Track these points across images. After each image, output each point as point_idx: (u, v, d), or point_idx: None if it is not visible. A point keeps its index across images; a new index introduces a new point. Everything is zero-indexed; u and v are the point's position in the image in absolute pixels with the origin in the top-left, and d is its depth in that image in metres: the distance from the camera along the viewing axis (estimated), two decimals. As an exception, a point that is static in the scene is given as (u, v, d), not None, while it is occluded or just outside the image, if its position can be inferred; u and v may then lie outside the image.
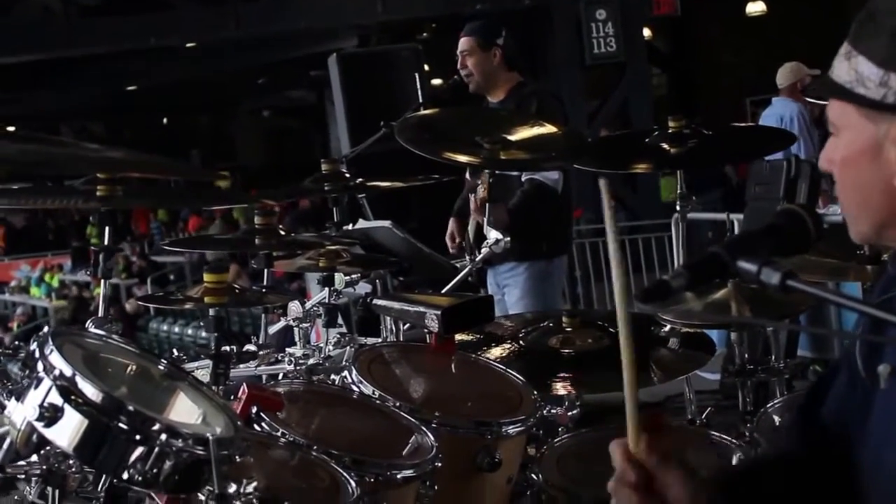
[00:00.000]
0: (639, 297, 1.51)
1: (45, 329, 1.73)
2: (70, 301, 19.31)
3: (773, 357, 2.96)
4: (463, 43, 4.32)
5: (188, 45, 15.40)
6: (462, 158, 3.25)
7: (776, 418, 2.61)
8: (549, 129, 3.25)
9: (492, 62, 4.31)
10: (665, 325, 2.92)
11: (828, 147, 1.54)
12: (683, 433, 2.77)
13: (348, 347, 2.96)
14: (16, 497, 2.05)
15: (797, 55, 7.14)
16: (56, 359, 1.66)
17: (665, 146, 3.19)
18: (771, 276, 1.40)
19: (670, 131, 3.19)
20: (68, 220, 26.77)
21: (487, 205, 3.19)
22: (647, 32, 13.27)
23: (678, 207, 3.27)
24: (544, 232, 4.24)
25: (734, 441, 2.55)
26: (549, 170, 3.95)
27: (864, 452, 1.56)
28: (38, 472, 1.89)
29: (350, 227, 3.66)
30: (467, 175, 4.51)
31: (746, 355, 2.83)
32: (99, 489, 2.07)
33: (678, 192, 3.27)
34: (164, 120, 25.73)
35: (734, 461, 2.46)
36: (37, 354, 1.68)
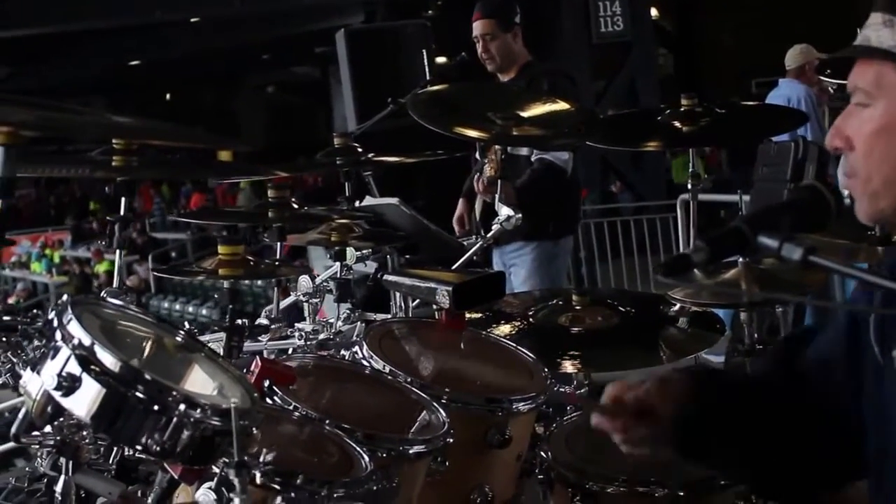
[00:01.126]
0: (659, 271, 1.53)
1: (65, 297, 1.72)
2: (72, 277, 19.33)
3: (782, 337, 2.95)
4: (484, 25, 4.26)
5: (193, 19, 15.33)
6: (473, 134, 3.24)
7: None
8: (561, 105, 3.23)
9: (512, 43, 4.28)
10: (675, 304, 2.92)
11: (849, 120, 1.52)
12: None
13: (358, 323, 2.96)
14: (28, 468, 2.06)
15: (804, 37, 7.11)
16: (75, 328, 1.65)
17: (677, 124, 3.19)
18: (792, 252, 1.40)
19: (682, 110, 3.19)
20: (70, 195, 26.77)
21: (499, 182, 3.17)
22: (653, 12, 13.22)
23: (689, 186, 3.26)
24: (552, 212, 4.23)
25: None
26: (559, 150, 3.94)
27: (878, 433, 1.57)
28: (51, 442, 1.89)
29: (357, 204, 3.65)
30: (476, 155, 4.50)
31: (755, 335, 2.83)
32: (111, 461, 2.09)
33: (690, 170, 3.26)
34: (168, 95, 25.67)
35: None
36: (55, 323, 1.68)
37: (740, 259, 2.71)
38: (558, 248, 4.36)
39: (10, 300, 18.00)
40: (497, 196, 3.18)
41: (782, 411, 1.69)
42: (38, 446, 1.90)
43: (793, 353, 1.75)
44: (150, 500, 2.03)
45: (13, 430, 1.85)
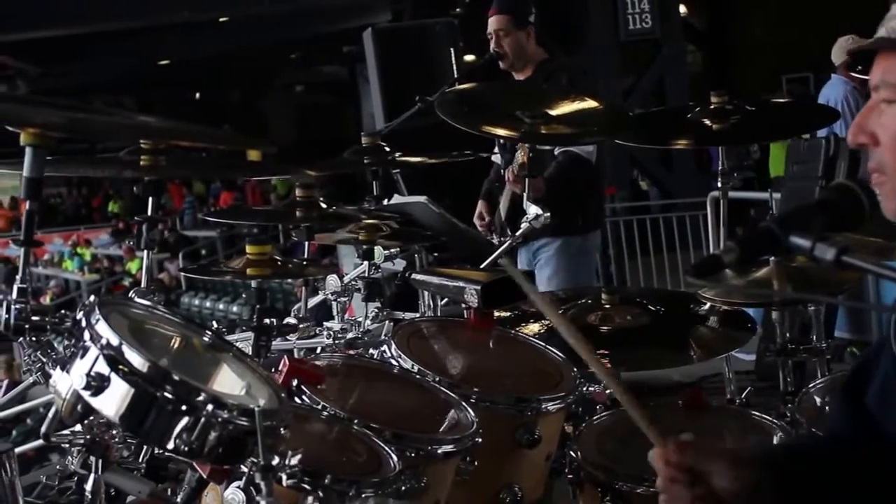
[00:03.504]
0: (690, 273, 1.51)
1: (92, 298, 1.73)
2: (102, 274, 19.51)
3: (814, 337, 2.90)
4: (497, 21, 4.25)
5: (221, 19, 15.41)
6: (502, 132, 3.22)
7: (817, 399, 2.57)
8: (590, 103, 3.21)
9: (525, 40, 4.26)
10: (705, 303, 2.89)
11: (872, 116, 1.48)
12: (723, 413, 2.75)
13: (386, 322, 2.96)
14: (59, 466, 2.07)
15: (835, 32, 6.96)
16: (103, 328, 1.66)
17: (707, 122, 3.15)
18: (825, 252, 1.38)
19: (712, 107, 3.15)
20: (102, 194, 27.01)
21: (527, 180, 3.15)
22: (682, 9, 13.11)
23: (719, 184, 3.22)
24: (578, 206, 4.19)
25: (775, 422, 2.52)
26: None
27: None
28: (81, 441, 1.90)
29: (385, 202, 3.65)
30: (493, 156, 4.48)
31: (787, 335, 2.80)
32: (140, 459, 2.09)
33: (720, 168, 3.22)
34: (196, 94, 25.80)
35: (775, 441, 2.44)
36: (83, 323, 1.68)
37: (772, 257, 2.68)
38: (587, 243, 4.32)
39: (44, 299, 18.16)
40: (525, 194, 3.15)
41: (860, 472, 1.62)
42: (68, 445, 1.91)
43: (854, 402, 1.69)
44: (179, 499, 2.03)
45: (43, 428, 1.86)
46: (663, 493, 1.57)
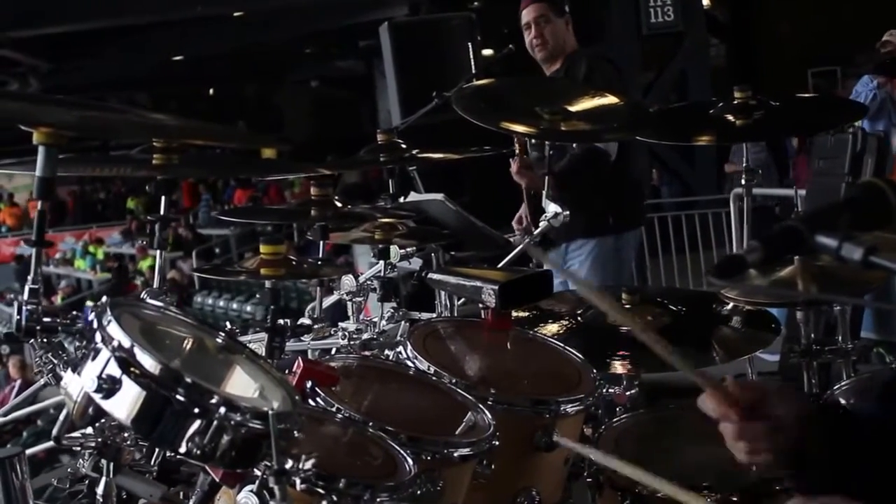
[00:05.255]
0: (712, 273, 1.48)
1: (104, 299, 1.70)
2: (113, 273, 19.55)
3: (840, 338, 2.85)
4: (536, 9, 4.18)
5: (235, 13, 15.40)
6: (520, 129, 3.18)
7: (843, 401, 2.53)
8: (610, 99, 3.16)
9: (564, 29, 4.20)
10: (728, 303, 2.84)
11: None
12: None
13: (402, 322, 2.92)
14: (69, 469, 2.04)
15: (864, 24, 6.83)
16: (114, 330, 1.63)
17: (730, 118, 3.10)
18: (852, 252, 1.35)
19: (735, 102, 3.10)
20: (114, 192, 27.10)
21: (546, 178, 3.11)
22: (705, 1, 12.98)
23: (743, 182, 3.17)
24: (609, 205, 4.10)
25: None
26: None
27: None
28: (92, 444, 1.87)
29: (401, 199, 3.61)
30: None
31: (812, 335, 2.75)
32: (152, 462, 2.07)
33: (744, 165, 3.17)
34: (211, 90, 25.80)
35: None
36: (95, 325, 1.66)
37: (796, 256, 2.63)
38: (622, 243, 4.19)
39: (55, 298, 18.24)
40: (544, 193, 3.11)
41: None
42: (79, 448, 1.88)
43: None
44: (191, 503, 2.00)
45: (54, 431, 1.83)
46: (731, 437, 1.53)
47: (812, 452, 1.54)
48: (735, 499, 2.14)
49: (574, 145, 3.96)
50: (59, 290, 20.60)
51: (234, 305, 14.44)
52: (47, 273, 20.43)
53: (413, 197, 3.65)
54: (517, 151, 3.60)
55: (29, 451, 2.05)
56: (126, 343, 1.62)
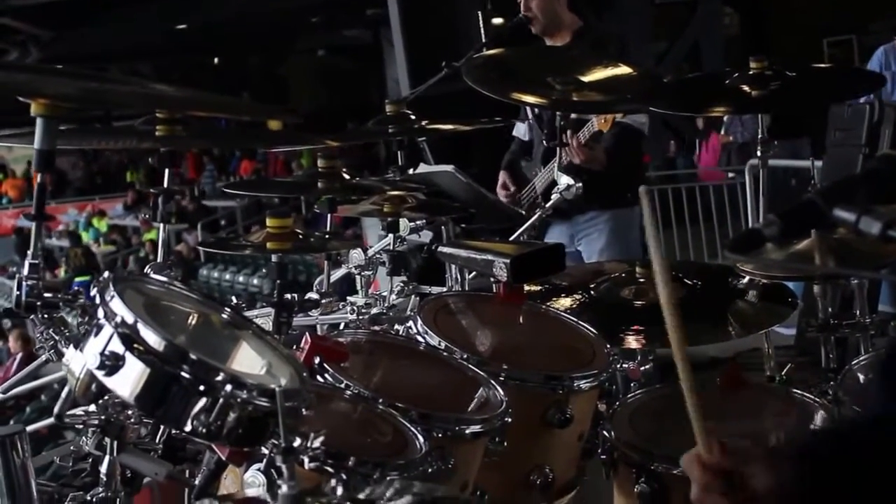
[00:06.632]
0: (728, 247, 1.45)
1: (106, 274, 1.65)
2: (119, 247, 19.52)
3: (858, 312, 2.81)
4: None
5: (240, -18, 15.26)
6: (531, 99, 3.12)
7: (861, 376, 2.49)
8: (623, 69, 3.09)
9: (555, 3, 4.13)
10: (744, 277, 2.79)
11: None
12: (762, 390, 2.66)
13: (412, 297, 2.88)
14: (73, 447, 2.01)
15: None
16: (117, 305, 1.59)
17: (745, 88, 3.03)
18: (871, 226, 1.32)
19: (751, 72, 3.03)
20: (117, 164, 27.03)
21: (558, 150, 3.04)
22: (719, -33, 12.81)
23: (759, 153, 3.10)
24: (629, 178, 4.08)
25: (817, 399, 2.43)
26: (636, 112, 3.79)
27: None
28: (95, 422, 1.84)
29: (411, 171, 3.56)
30: (514, 132, 4.37)
31: (829, 309, 2.71)
32: (157, 440, 2.03)
33: (759, 136, 3.10)
34: (215, 60, 25.61)
35: (817, 419, 2.35)
36: (97, 300, 1.61)
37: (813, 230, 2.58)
38: (634, 215, 4.19)
39: (58, 271, 18.20)
40: (556, 164, 3.05)
41: None
42: (81, 425, 1.84)
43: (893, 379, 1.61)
44: (197, 482, 1.97)
45: (56, 409, 1.80)
46: (701, 501, 1.50)
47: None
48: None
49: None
50: (62, 263, 20.59)
51: (241, 279, 14.40)
52: (50, 246, 20.44)
53: (423, 169, 3.60)
54: (596, 129, 3.55)
55: (31, 428, 2.02)
56: (129, 319, 1.58)
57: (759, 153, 3.10)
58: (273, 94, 23.80)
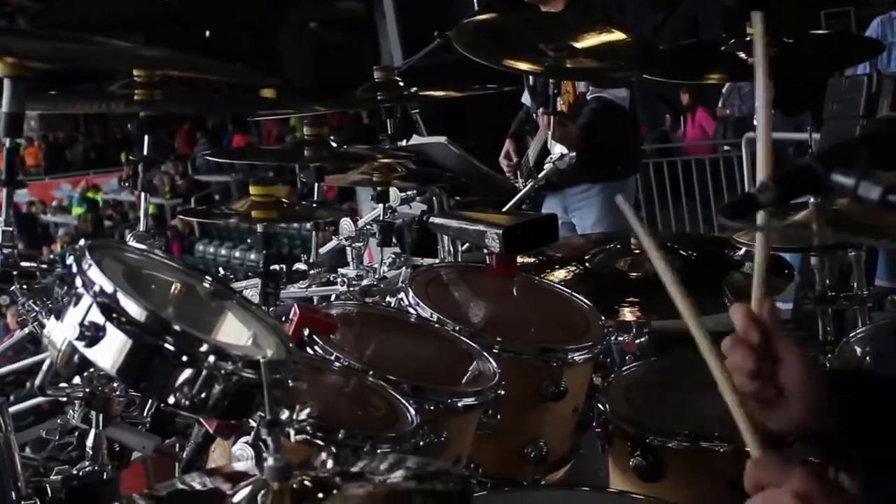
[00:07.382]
0: (723, 213, 1.40)
1: (82, 242, 1.60)
2: (116, 222, 19.44)
3: (855, 284, 2.77)
4: None
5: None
6: (524, 66, 3.06)
7: (858, 349, 2.46)
8: (617, 35, 3.03)
9: None
10: (740, 249, 2.75)
11: None
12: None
13: (403, 268, 2.84)
14: (59, 421, 1.97)
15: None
16: (95, 274, 1.53)
17: (742, 55, 2.97)
18: (870, 191, 1.26)
19: (748, 39, 2.97)
20: (109, 137, 26.85)
21: (551, 119, 2.99)
22: (716, -64, 12.69)
23: (755, 123, 3.05)
24: (617, 151, 4.05)
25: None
26: (616, 86, 3.75)
27: None
28: (80, 395, 1.79)
29: (403, 142, 3.51)
30: (523, 99, 4.33)
31: (827, 281, 2.67)
32: (145, 414, 1.99)
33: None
34: (206, 32, 25.37)
35: None
36: (74, 269, 1.56)
37: (811, 199, 2.54)
38: (625, 188, 4.19)
39: (54, 246, 18.10)
40: (549, 133, 3.00)
41: None
42: (65, 399, 1.80)
43: None
44: (185, 455, 1.93)
45: (37, 381, 1.75)
46: (731, 347, 1.46)
47: (830, 419, 1.46)
48: (748, 449, 2.07)
49: (589, 98, 3.88)
50: (58, 239, 20.48)
51: (237, 253, 14.37)
52: (45, 221, 20.34)
53: (415, 140, 3.55)
54: (561, 106, 3.51)
55: (28, 403, 1.97)
56: (108, 288, 1.52)
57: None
58: (266, 66, 23.60)
